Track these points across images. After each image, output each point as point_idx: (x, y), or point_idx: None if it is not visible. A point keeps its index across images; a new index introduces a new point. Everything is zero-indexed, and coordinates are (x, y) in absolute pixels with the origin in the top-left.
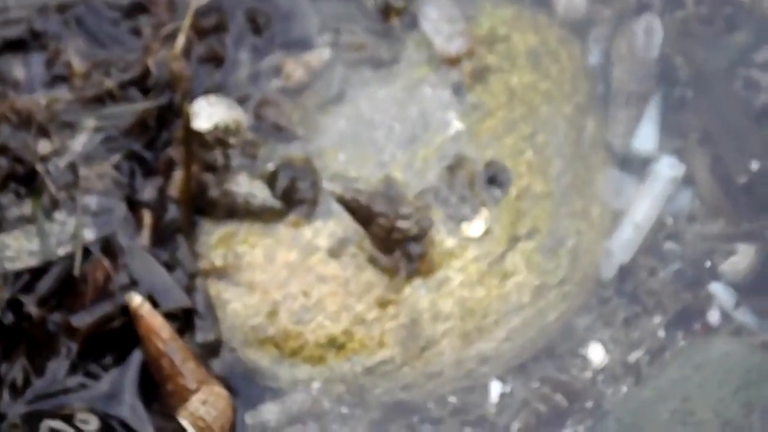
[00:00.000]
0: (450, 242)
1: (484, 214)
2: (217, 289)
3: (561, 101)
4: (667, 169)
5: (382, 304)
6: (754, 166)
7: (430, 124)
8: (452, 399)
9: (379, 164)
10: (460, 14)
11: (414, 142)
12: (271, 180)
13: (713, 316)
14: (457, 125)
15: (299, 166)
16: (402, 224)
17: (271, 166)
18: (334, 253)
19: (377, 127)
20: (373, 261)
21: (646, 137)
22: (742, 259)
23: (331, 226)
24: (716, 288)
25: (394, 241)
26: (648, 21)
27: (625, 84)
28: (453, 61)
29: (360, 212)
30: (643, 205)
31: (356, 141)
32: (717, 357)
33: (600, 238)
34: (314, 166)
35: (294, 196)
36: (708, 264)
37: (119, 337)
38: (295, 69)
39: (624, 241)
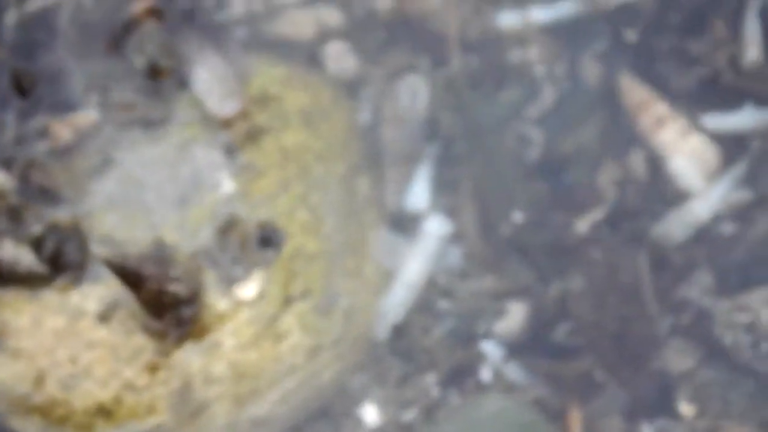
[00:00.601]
0: (222, 305)
1: (257, 275)
2: None
3: (334, 160)
4: (436, 227)
5: (153, 369)
6: (519, 218)
7: (202, 185)
8: None
9: (150, 226)
10: (232, 74)
11: (185, 204)
12: (37, 244)
13: (486, 374)
14: (228, 186)
15: (66, 229)
16: (172, 287)
17: (37, 230)
18: (103, 317)
19: (147, 189)
20: (144, 326)
21: (418, 196)
22: (512, 316)
23: (100, 291)
24: (488, 345)
25: (164, 304)
26: (413, 82)
27: (396, 144)
28: (227, 122)
29: (129, 276)
30: (415, 264)
31: (126, 203)
32: (490, 414)
33: (373, 297)
34: (82, 229)
35: (61, 261)
36: (480, 321)
37: None
38: (62, 130)
39: (396, 301)
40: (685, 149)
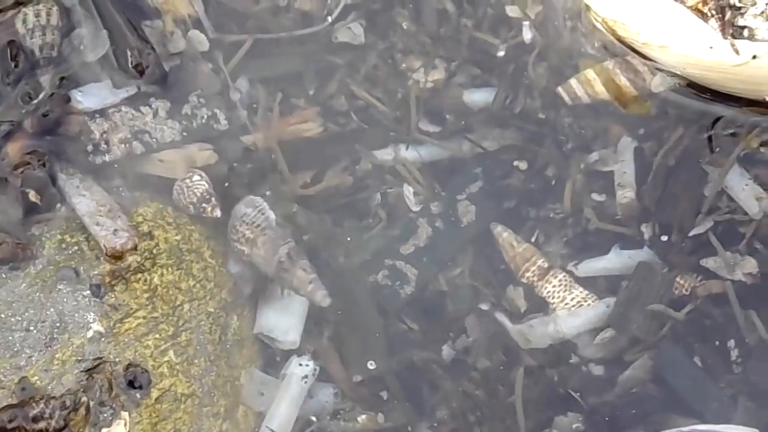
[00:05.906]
0: None
1: (124, 417)
2: None
3: (204, 299)
4: (299, 368)
5: None
6: (389, 355)
7: (68, 326)
8: None
9: (15, 368)
10: (118, 207)
11: (51, 345)
12: None
13: None
14: (96, 327)
15: None
16: (40, 426)
17: None
18: None
19: (13, 330)
20: None
21: (291, 336)
22: None
23: None
24: None
25: None
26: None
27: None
28: (118, 257)
29: None
30: (282, 406)
31: None
32: None
33: None
34: None
35: None
36: None
37: None
38: None
39: None
40: (567, 303)
